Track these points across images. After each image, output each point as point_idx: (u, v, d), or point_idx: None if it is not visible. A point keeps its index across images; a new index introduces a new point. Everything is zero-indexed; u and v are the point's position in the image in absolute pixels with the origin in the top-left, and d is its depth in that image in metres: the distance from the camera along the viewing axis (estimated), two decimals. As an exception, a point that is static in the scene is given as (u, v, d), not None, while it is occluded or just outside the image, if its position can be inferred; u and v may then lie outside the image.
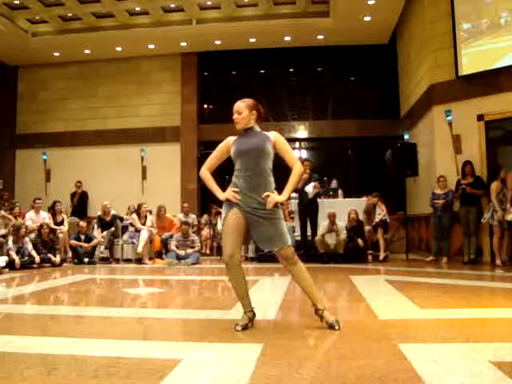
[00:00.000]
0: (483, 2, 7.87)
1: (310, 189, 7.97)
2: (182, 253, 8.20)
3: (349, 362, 2.31)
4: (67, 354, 2.47)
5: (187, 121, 11.68)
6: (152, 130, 11.66)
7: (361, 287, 4.88)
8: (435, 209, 7.83)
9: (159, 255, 8.88)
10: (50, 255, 7.84)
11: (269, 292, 4.97)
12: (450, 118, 7.94)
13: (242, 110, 3.13)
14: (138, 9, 10.58)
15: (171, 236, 8.69)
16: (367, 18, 9.91)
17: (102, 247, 8.81)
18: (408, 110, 10.19)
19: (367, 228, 8.22)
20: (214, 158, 3.25)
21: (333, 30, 10.40)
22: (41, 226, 8.12)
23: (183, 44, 11.31)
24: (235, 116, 3.15)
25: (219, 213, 9.68)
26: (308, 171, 8.03)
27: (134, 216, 8.97)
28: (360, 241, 7.94)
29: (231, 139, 3.20)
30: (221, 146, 3.23)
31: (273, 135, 3.15)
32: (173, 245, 8.34)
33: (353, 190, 10.52)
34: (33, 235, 8.17)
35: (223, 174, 8.26)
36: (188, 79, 11.82)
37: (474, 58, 7.87)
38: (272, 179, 3.11)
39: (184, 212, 10.02)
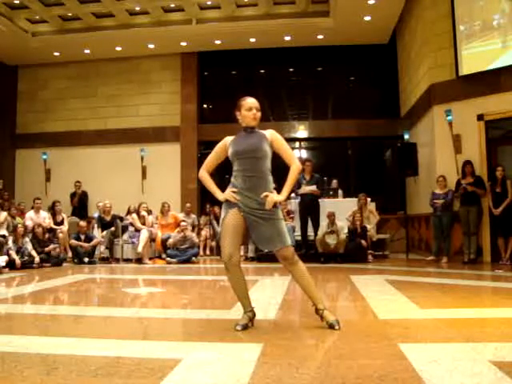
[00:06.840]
0: (483, 2, 7.86)
1: (308, 187, 7.98)
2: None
3: (349, 361, 2.31)
4: (67, 353, 2.47)
5: (187, 121, 11.67)
6: (152, 129, 11.65)
7: (361, 287, 4.87)
8: (435, 208, 7.83)
9: (159, 255, 8.87)
10: (46, 249, 7.89)
11: (269, 292, 4.97)
12: (450, 117, 7.93)
13: (259, 108, 3.13)
14: (137, 8, 10.57)
15: (169, 237, 8.67)
16: (367, 18, 9.90)
17: (102, 247, 8.81)
18: (408, 109, 10.18)
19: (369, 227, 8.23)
20: (212, 158, 3.25)
21: (333, 30, 10.39)
22: (34, 226, 8.12)
23: (183, 44, 11.30)
24: (256, 112, 3.12)
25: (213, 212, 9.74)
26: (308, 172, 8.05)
27: (134, 216, 8.96)
28: (363, 241, 7.93)
29: (228, 139, 3.19)
30: (218, 147, 3.22)
31: (269, 133, 3.13)
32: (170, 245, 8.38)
33: (353, 190, 10.52)
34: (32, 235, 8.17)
35: (223, 174, 8.28)
36: (188, 79, 11.81)
37: (474, 58, 7.85)
38: (271, 179, 3.09)
39: (186, 212, 10.02)
